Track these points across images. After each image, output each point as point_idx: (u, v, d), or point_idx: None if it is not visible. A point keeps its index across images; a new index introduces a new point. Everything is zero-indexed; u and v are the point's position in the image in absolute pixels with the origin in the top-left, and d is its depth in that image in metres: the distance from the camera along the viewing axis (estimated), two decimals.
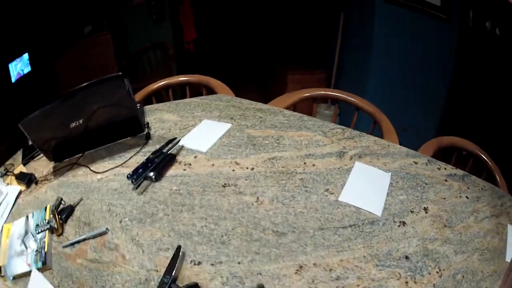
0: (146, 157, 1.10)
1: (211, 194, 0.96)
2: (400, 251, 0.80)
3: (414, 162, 1.09)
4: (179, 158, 1.12)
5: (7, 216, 1.00)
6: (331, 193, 0.94)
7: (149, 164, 1.05)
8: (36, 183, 1.10)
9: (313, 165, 1.05)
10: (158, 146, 1.15)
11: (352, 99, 1.52)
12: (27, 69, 2.90)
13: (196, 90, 1.87)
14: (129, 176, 1.01)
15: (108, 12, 3.66)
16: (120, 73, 1.04)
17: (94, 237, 0.86)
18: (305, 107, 1.82)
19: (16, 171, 1.15)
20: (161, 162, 1.07)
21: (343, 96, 1.55)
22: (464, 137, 1.39)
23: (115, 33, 3.66)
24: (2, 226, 0.96)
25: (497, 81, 2.42)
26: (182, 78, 1.78)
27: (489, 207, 0.97)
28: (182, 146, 1.17)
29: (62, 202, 0.97)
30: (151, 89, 1.71)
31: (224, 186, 0.99)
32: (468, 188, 1.02)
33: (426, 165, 1.08)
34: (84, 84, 1.02)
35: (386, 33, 2.76)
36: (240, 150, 1.14)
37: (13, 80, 2.71)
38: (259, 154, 1.11)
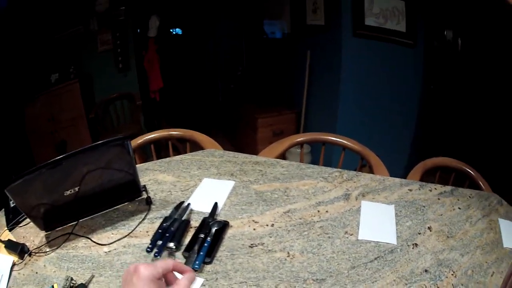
0: (152, 224, 1.09)
1: (241, 257, 0.98)
2: (420, 268, 0.96)
3: (408, 190, 1.28)
4: (192, 223, 1.11)
5: None
6: (350, 234, 1.08)
7: (167, 234, 1.01)
8: (30, 254, 1.00)
9: (326, 211, 1.18)
10: (163, 212, 1.15)
11: (340, 140, 1.68)
12: None
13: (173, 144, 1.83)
14: (148, 250, 0.97)
15: (74, 59, 3.57)
16: (122, 136, 1.02)
17: None
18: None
19: (3, 238, 1.05)
20: (177, 230, 1.03)
21: (331, 138, 1.70)
22: (440, 152, 1.58)
23: (82, 82, 3.55)
24: None
25: (462, 90, 2.64)
26: (165, 133, 1.76)
27: (479, 210, 1.18)
28: (191, 210, 1.16)
29: (73, 281, 0.89)
30: (134, 145, 1.64)
31: (251, 246, 1.02)
32: (458, 200, 1.22)
33: (419, 189, 1.28)
34: (84, 147, 0.97)
35: (353, 66, 2.86)
36: (253, 207, 1.18)
37: None
38: (273, 209, 1.17)
